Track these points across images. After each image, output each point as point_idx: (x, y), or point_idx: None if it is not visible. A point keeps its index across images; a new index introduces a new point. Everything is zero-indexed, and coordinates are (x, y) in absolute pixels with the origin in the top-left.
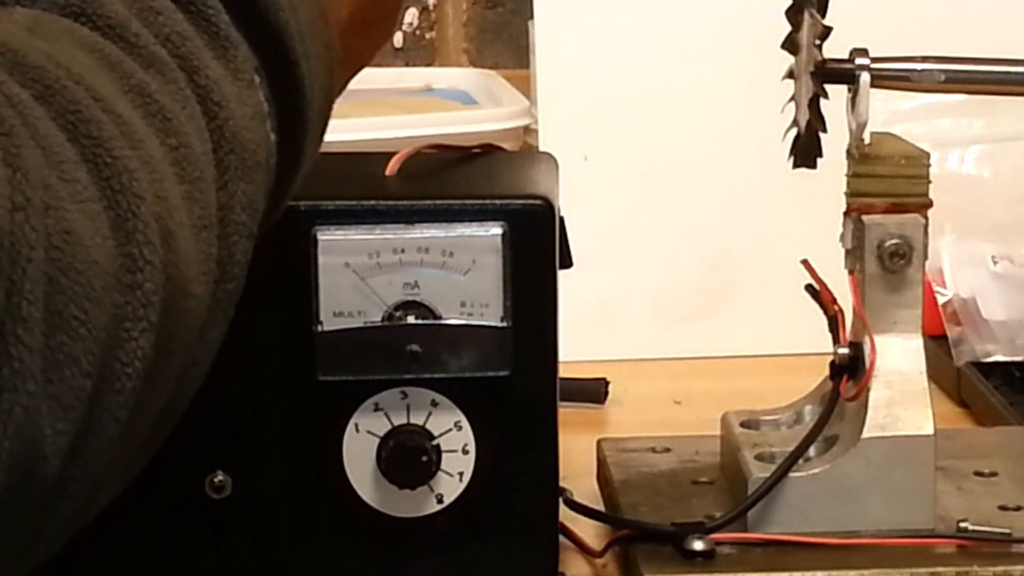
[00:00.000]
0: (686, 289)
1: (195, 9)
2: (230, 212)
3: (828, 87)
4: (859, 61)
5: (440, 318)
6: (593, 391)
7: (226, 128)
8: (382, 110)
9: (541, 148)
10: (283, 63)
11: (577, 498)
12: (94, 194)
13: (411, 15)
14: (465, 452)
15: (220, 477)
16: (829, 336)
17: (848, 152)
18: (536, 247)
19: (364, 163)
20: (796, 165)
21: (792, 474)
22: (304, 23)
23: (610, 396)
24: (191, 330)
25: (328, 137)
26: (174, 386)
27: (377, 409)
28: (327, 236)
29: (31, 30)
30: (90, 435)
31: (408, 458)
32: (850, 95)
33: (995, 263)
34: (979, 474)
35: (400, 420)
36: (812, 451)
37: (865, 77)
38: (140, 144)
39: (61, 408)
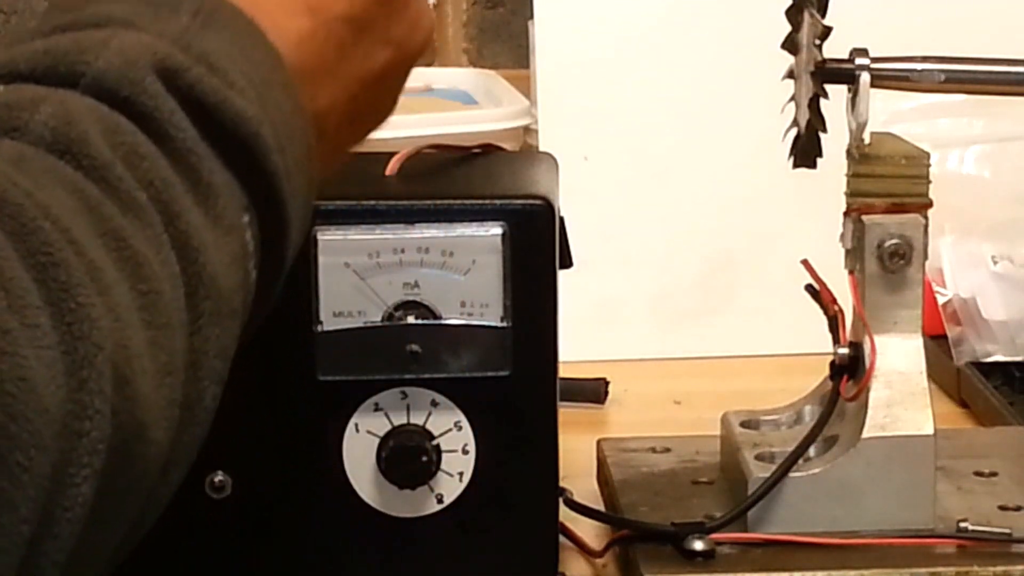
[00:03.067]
0: (686, 289)
1: (179, 155)
2: (202, 357)
3: (828, 87)
4: (859, 61)
5: (440, 318)
6: (593, 391)
7: (203, 275)
8: None
9: (541, 148)
10: (273, 203)
11: (577, 498)
12: (53, 340)
13: None
14: (465, 452)
15: (220, 477)
16: (829, 336)
17: (848, 152)
18: (536, 247)
19: (364, 163)
20: (796, 165)
21: (792, 474)
22: (292, 161)
23: (610, 396)
24: (148, 474)
25: None
26: (129, 524)
27: (377, 409)
28: (327, 236)
29: (15, 164)
30: None
31: (408, 458)
32: (850, 95)
33: (995, 263)
34: (979, 474)
35: (400, 420)
36: (812, 451)
37: (865, 77)
38: (108, 290)
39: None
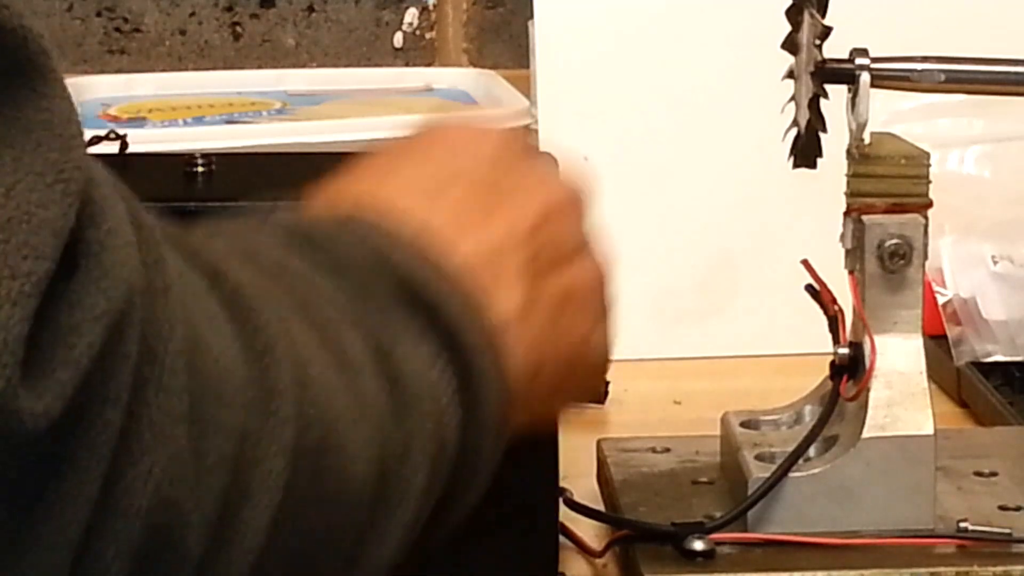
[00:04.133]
0: (686, 289)
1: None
2: (411, 444)
3: (828, 87)
4: (859, 61)
5: None
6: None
7: (402, 370)
8: (382, 110)
9: (541, 148)
10: (460, 361)
11: (577, 498)
12: (231, 326)
13: (411, 15)
14: None
15: None
16: (829, 336)
17: (848, 152)
18: None
19: None
20: (796, 165)
21: (792, 474)
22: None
23: (610, 396)
24: (344, 498)
25: (328, 137)
26: (333, 553)
27: None
28: None
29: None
30: (230, 543)
31: None
32: (850, 95)
33: (995, 263)
34: (979, 474)
35: None
36: (812, 451)
37: (865, 77)
38: (280, 308)
39: (202, 487)
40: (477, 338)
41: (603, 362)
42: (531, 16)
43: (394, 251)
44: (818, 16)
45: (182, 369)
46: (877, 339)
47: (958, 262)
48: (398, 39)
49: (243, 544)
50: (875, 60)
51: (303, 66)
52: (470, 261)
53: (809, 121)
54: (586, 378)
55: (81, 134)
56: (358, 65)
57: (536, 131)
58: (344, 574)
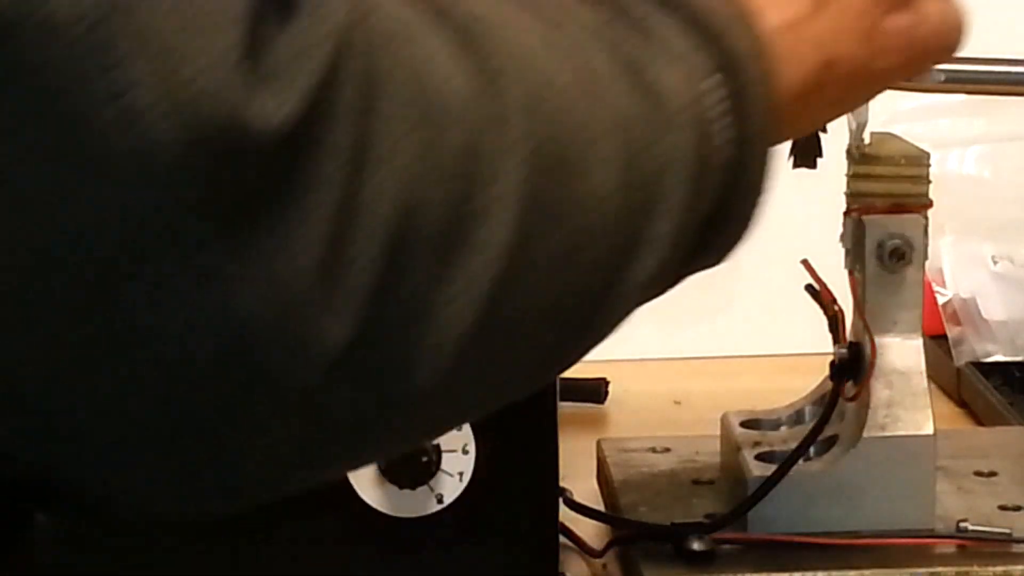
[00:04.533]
0: (686, 289)
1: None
2: (673, 158)
3: None
4: None
5: None
6: (593, 391)
7: (660, 84)
8: None
9: None
10: (732, 74)
11: (577, 498)
12: (459, 47)
13: None
14: (465, 452)
15: None
16: (829, 336)
17: (848, 152)
18: None
19: None
20: (796, 165)
21: (792, 474)
22: (750, 47)
23: (610, 396)
24: (589, 209)
25: None
26: (560, 291)
27: None
28: None
29: None
30: (472, 251)
31: (408, 458)
32: None
33: (995, 263)
34: (979, 474)
35: None
36: (812, 451)
37: None
38: (520, 30)
39: (438, 198)
40: (750, 49)
41: (942, 40)
42: None
43: None
44: None
45: (408, 85)
46: (877, 339)
47: (958, 262)
48: None
49: (484, 256)
50: None
51: None
52: None
53: None
54: (902, 61)
55: None
56: None
57: None
58: (606, 289)
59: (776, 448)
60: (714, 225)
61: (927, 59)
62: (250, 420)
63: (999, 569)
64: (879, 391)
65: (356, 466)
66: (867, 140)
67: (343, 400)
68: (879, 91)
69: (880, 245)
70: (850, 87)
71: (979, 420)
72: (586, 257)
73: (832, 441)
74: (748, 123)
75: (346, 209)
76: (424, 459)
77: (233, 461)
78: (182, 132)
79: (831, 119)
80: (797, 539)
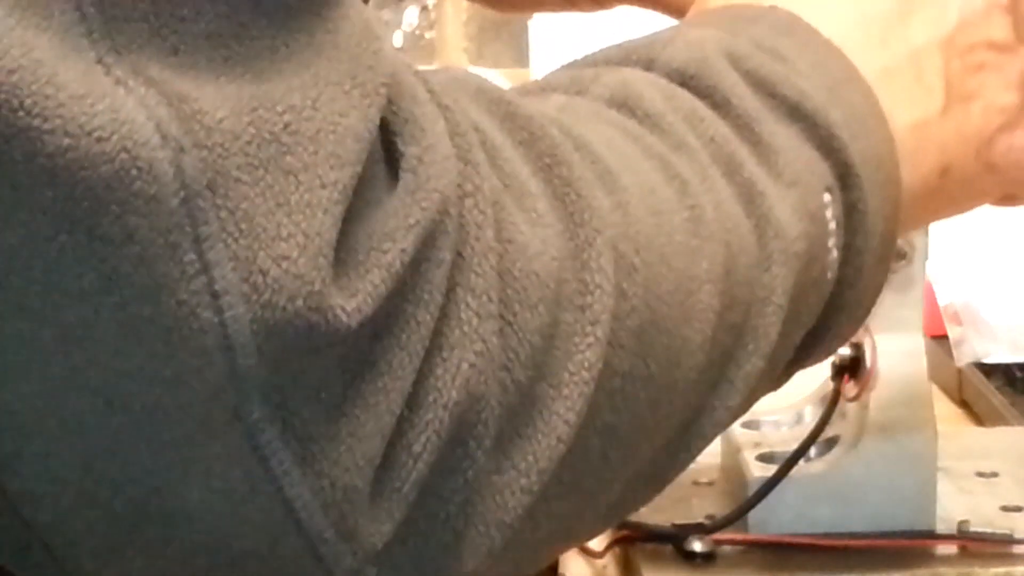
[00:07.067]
0: None
1: (739, 120)
2: (771, 294)
3: None
4: None
5: None
6: None
7: (771, 216)
8: None
9: None
10: (849, 187)
11: None
12: (551, 221)
13: (411, 14)
14: None
15: None
16: None
17: None
18: None
19: None
20: None
21: (793, 475)
22: (871, 158)
23: None
24: (673, 375)
25: None
26: (656, 432)
27: None
28: None
29: (559, 107)
30: (535, 433)
31: None
32: None
33: (996, 263)
34: (980, 475)
35: None
36: (813, 451)
37: None
38: (620, 190)
39: (509, 382)
40: (869, 158)
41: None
42: (531, 16)
43: (788, 75)
44: None
45: (492, 270)
46: (878, 339)
47: (960, 262)
48: (398, 38)
49: (548, 439)
50: None
51: None
52: (882, 70)
53: None
54: (1007, 180)
55: (378, 41)
56: None
57: None
58: (680, 435)
59: (777, 449)
60: (814, 336)
61: None
62: None
63: (1001, 570)
64: (880, 391)
65: None
66: None
67: None
68: (978, 206)
69: None
70: (958, 197)
71: (980, 421)
72: (662, 414)
73: (833, 442)
74: (858, 238)
75: (413, 398)
76: None
77: None
78: (258, 317)
79: (932, 222)
80: (798, 540)
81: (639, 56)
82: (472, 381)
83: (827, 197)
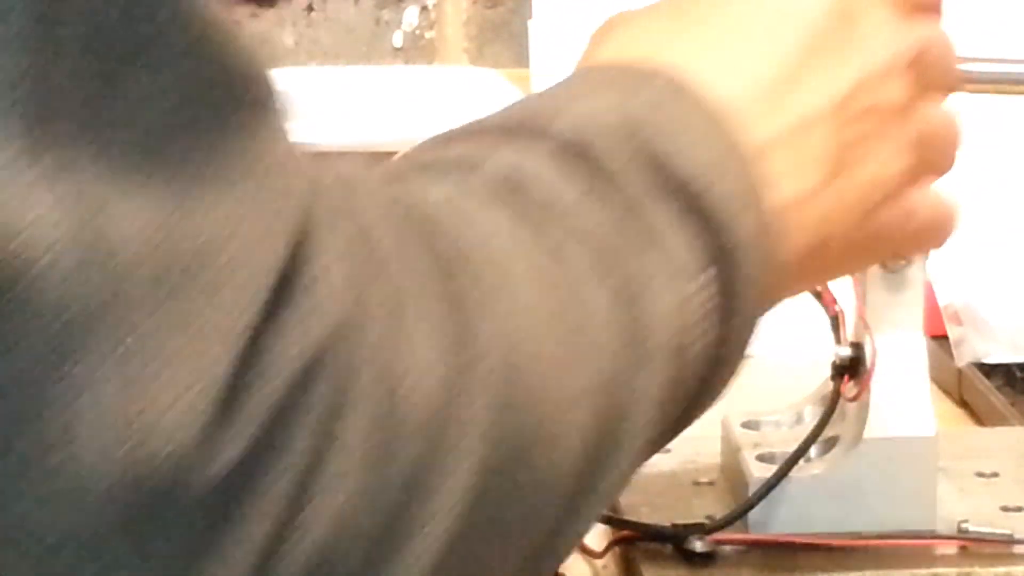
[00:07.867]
0: None
1: (626, 203)
2: (644, 396)
3: None
4: None
5: None
6: None
7: (650, 316)
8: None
9: None
10: (728, 266)
11: None
12: (440, 339)
13: (411, 14)
14: None
15: None
16: (830, 336)
17: None
18: None
19: (364, 163)
20: None
21: (793, 475)
22: (752, 230)
23: None
24: (547, 482)
25: (327, 138)
26: (517, 549)
27: None
28: None
29: (454, 197)
30: (406, 556)
31: None
32: None
33: (996, 263)
34: (981, 475)
35: None
36: (813, 452)
37: None
38: (506, 298)
39: (376, 517)
40: (750, 235)
41: (931, 235)
42: (531, 16)
43: (674, 149)
44: None
45: (366, 416)
46: (878, 339)
47: (959, 262)
48: (398, 38)
49: (418, 563)
50: None
51: (303, 66)
52: (769, 140)
53: None
54: (893, 244)
55: (300, 166)
56: (358, 64)
57: None
58: (559, 525)
59: (777, 449)
60: (690, 406)
61: (915, 249)
62: None
63: (1001, 570)
64: (880, 391)
65: None
66: None
67: None
68: (863, 269)
69: None
70: (838, 264)
71: (980, 421)
72: (537, 517)
73: (833, 442)
74: (736, 318)
75: (279, 539)
76: None
77: None
78: (118, 464)
79: (810, 288)
80: (798, 540)
81: (531, 126)
82: (341, 514)
83: (707, 275)
